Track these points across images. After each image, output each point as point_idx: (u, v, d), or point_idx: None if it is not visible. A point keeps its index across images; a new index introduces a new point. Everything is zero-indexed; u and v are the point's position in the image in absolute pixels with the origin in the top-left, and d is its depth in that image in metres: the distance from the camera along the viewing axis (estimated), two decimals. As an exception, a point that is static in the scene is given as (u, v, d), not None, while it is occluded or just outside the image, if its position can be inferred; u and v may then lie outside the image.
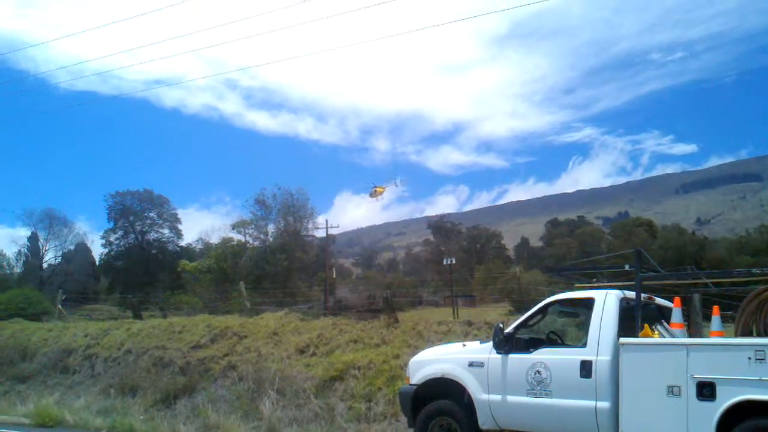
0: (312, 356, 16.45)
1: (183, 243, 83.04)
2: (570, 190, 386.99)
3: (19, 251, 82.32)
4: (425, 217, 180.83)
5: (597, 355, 8.40)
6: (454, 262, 65.79)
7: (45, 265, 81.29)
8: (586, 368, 8.42)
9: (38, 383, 20.08)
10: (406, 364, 11.62)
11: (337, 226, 73.67)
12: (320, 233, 70.48)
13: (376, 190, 56.56)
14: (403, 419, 11.39)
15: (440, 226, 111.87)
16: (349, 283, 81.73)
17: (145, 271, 75.79)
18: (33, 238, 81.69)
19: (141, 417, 15.42)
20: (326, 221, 69.13)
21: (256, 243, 68.35)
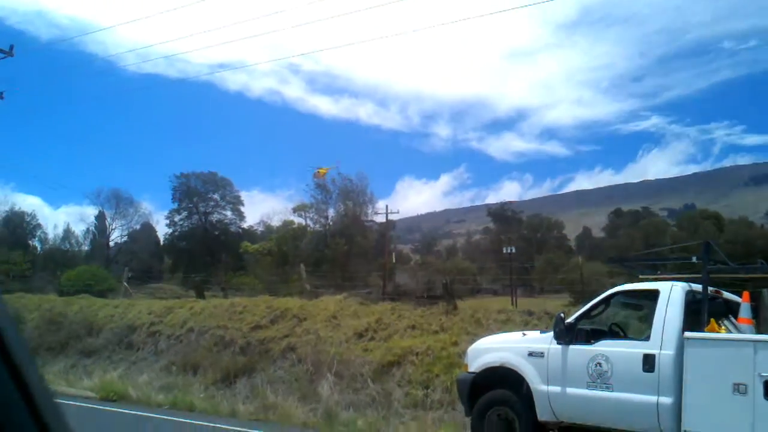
0: (370, 341, 16.53)
1: (245, 225, 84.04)
2: (635, 180, 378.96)
3: (87, 229, 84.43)
4: (486, 204, 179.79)
5: (660, 349, 8.23)
6: (514, 250, 65.14)
7: (111, 244, 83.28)
8: (648, 362, 8.26)
9: (103, 358, 20.62)
10: (464, 352, 11.57)
11: (397, 212, 73.69)
12: (380, 218, 70.66)
13: (319, 172, 57.65)
14: (460, 407, 11.35)
15: (501, 214, 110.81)
16: (408, 269, 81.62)
17: (207, 252, 76.96)
18: (100, 217, 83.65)
19: (201, 395, 15.74)
20: (386, 206, 69.20)
21: (317, 226, 68.90)
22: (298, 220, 69.31)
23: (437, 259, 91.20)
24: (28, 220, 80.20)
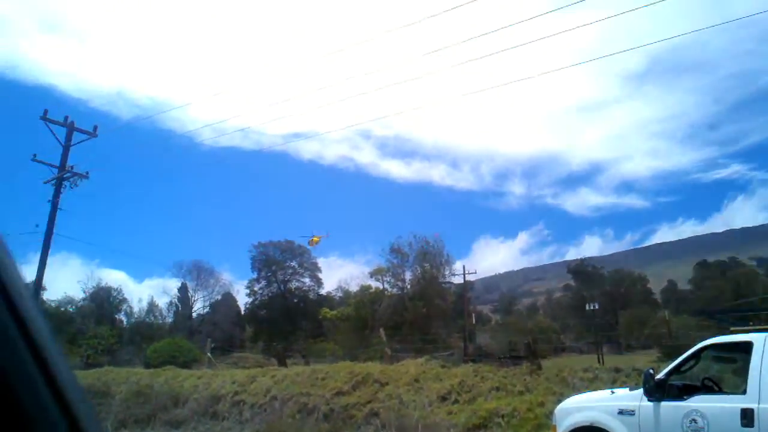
0: (454, 403, 16.29)
1: (323, 291, 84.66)
2: (720, 230, 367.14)
3: (170, 301, 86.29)
4: (565, 261, 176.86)
5: (759, 403, 7.89)
6: (596, 307, 63.79)
7: (194, 315, 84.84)
8: (747, 417, 7.91)
9: (190, 429, 20.83)
10: (551, 412, 11.30)
11: (475, 272, 73.30)
12: (457, 279, 70.30)
13: (312, 240, 57.59)
14: (551, 469, 11.04)
15: (581, 270, 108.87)
16: (489, 329, 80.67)
17: (287, 320, 77.63)
18: (182, 289, 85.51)
19: (288, 463, 15.73)
20: (463, 267, 68.88)
21: (394, 290, 68.84)
22: (375, 284, 69.46)
23: (518, 319, 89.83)
24: (114, 294, 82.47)
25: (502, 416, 14.65)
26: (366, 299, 65.01)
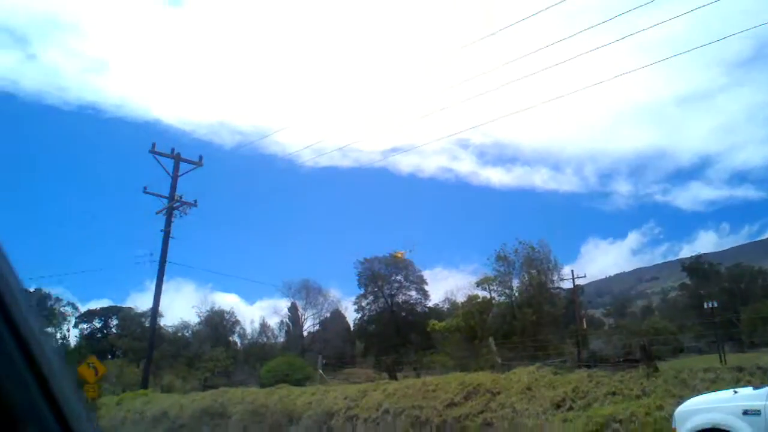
0: (569, 410, 15.91)
1: (430, 303, 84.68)
2: None
3: (281, 321, 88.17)
4: (679, 259, 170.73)
5: None
6: (716, 305, 61.33)
7: (305, 333, 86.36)
8: None
9: (306, 445, 21.16)
10: (671, 416, 10.86)
11: (584, 276, 71.76)
12: (567, 284, 69.11)
13: (397, 254, 56.24)
14: (674, 475, 10.59)
15: (696, 268, 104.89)
16: (602, 334, 78.66)
17: (396, 333, 77.98)
18: (292, 308, 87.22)
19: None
20: (572, 272, 67.65)
21: (502, 298, 68.05)
22: (482, 293, 68.83)
23: (632, 321, 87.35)
24: (227, 317, 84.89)
25: (620, 421, 14.19)
26: (474, 309, 64.48)
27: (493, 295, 68.73)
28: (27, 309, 1.42)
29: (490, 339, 32.76)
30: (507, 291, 68.02)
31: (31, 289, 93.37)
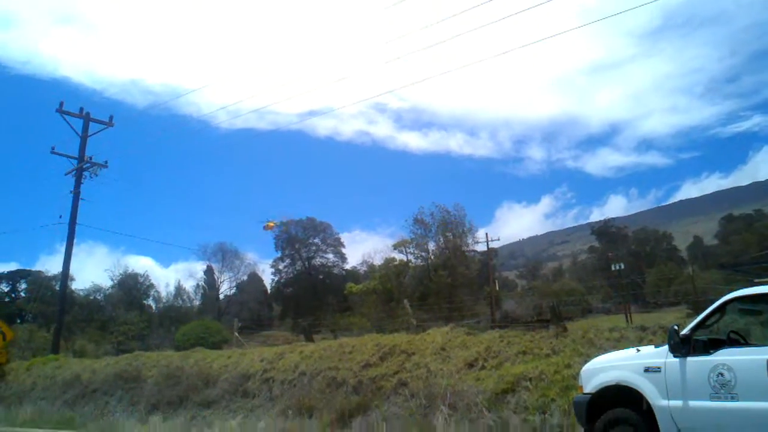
0: (481, 370, 16.31)
1: (347, 266, 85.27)
2: (745, 183, 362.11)
3: (197, 284, 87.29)
4: (588, 223, 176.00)
5: (787, 353, 7.81)
6: (622, 267, 63.61)
7: (221, 296, 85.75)
8: (775, 367, 7.85)
9: (221, 408, 21.05)
10: (578, 374, 11.27)
11: (498, 239, 73.25)
12: (481, 247, 70.38)
13: (268, 225, 57.65)
14: (580, 430, 11.04)
15: (605, 232, 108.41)
16: (515, 295, 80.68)
17: (313, 296, 78.25)
18: (208, 272, 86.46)
19: (320, 436, 15.86)
20: (486, 235, 68.83)
21: (418, 261, 69.06)
22: (399, 256, 69.68)
23: (543, 283, 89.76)
24: (141, 281, 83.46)
25: (530, 380, 14.65)
26: (391, 272, 65.28)
27: (410, 257, 69.70)
28: None
29: (405, 301, 33.28)
30: (423, 254, 69.07)
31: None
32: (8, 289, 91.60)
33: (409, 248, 69.70)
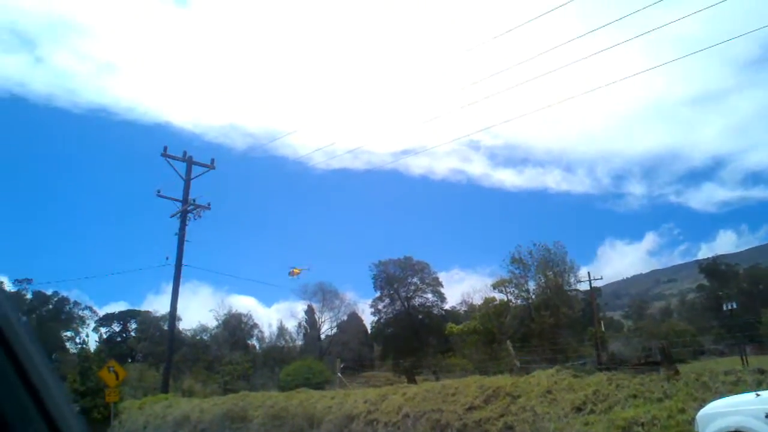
0: (590, 414, 15.91)
1: (447, 306, 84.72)
2: None
3: (299, 324, 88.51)
4: (696, 260, 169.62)
5: None
6: (735, 306, 61.00)
7: (322, 336, 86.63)
8: None
9: (327, 449, 21.25)
10: (693, 419, 10.88)
11: (601, 278, 71.58)
12: (583, 286, 68.89)
13: (293, 271, 56.28)
14: (697, 478, 10.61)
15: (714, 269, 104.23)
16: (621, 336, 78.35)
17: (414, 336, 78.08)
18: (309, 311, 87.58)
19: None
20: (588, 273, 67.44)
21: (519, 301, 67.99)
22: (499, 296, 68.79)
23: (651, 323, 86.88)
24: (245, 320, 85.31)
25: (642, 425, 14.19)
26: (491, 312, 64.46)
27: (510, 297, 68.65)
28: (14, 316, 1.45)
29: (508, 342, 32.82)
30: (523, 293, 67.90)
31: (49, 293, 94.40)
32: (119, 329, 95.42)
33: (509, 287, 68.76)
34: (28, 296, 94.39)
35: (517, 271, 67.50)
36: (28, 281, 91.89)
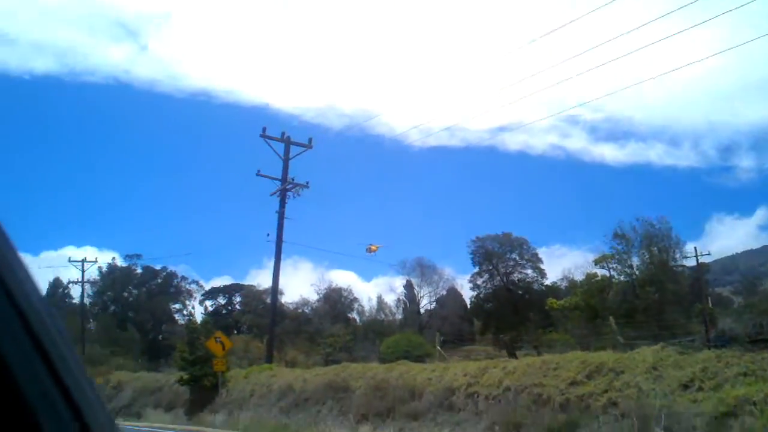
0: (698, 391, 15.44)
1: (547, 282, 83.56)
2: None
3: (398, 299, 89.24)
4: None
5: None
6: None
7: (421, 311, 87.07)
8: None
9: (428, 420, 21.39)
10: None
11: (708, 254, 69.12)
12: (690, 262, 66.69)
13: (370, 248, 54.23)
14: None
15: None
16: (731, 312, 75.51)
17: (513, 312, 77.44)
18: (408, 286, 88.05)
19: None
20: (695, 249, 65.16)
21: (621, 277, 66.42)
22: (601, 271, 67.36)
23: (763, 300, 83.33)
24: (345, 294, 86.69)
25: (754, 403, 13.68)
26: (593, 288, 63.27)
27: (613, 273, 67.17)
28: (34, 294, 1.43)
29: (611, 318, 32.14)
30: (626, 269, 66.30)
31: (158, 268, 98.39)
32: (225, 301, 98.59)
33: (611, 263, 67.24)
34: (138, 271, 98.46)
35: (619, 247, 65.99)
36: (138, 257, 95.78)
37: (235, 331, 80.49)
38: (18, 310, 1.34)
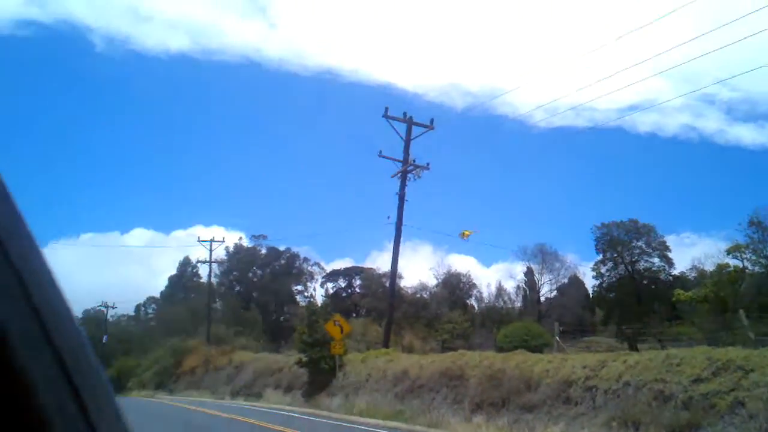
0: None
1: (675, 271, 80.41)
2: None
3: (518, 286, 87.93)
4: None
5: None
6: None
7: (541, 299, 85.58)
8: None
9: (543, 413, 20.97)
10: None
11: None
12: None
13: (464, 233, 50.73)
14: None
15: None
16: None
17: (637, 302, 75.08)
18: (528, 273, 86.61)
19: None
20: None
21: (756, 268, 63.00)
22: (734, 262, 64.08)
23: None
24: (463, 280, 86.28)
25: None
26: (724, 279, 60.33)
27: (746, 264, 63.83)
28: (57, 300, 1.37)
29: (740, 311, 30.55)
30: (762, 260, 62.87)
31: (282, 249, 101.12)
32: (345, 284, 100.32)
33: (745, 253, 63.87)
34: (263, 251, 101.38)
35: (755, 236, 62.61)
36: (263, 237, 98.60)
37: (354, 314, 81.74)
38: (41, 323, 1.29)
